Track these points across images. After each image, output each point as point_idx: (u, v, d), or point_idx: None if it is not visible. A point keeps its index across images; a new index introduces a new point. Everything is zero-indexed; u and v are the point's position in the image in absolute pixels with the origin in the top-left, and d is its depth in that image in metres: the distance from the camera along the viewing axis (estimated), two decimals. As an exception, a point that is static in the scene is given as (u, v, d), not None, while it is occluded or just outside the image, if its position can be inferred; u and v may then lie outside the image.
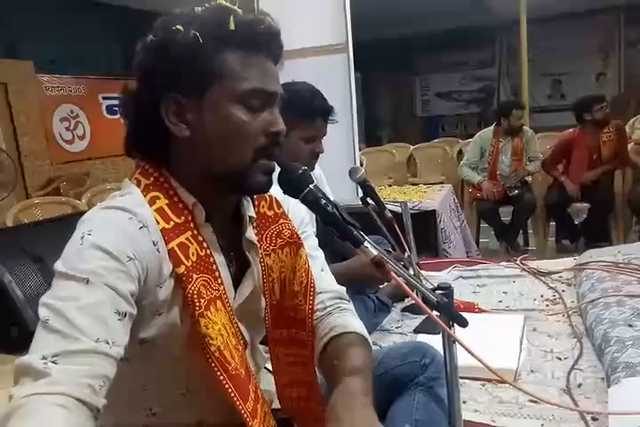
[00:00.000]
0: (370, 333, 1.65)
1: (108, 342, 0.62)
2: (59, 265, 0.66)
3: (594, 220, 3.57)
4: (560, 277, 2.05)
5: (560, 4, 7.03)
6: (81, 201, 2.86)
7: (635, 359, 1.22)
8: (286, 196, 0.85)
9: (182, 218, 0.75)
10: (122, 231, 0.68)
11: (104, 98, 5.64)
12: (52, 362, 0.58)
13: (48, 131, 5.06)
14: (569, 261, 2.17)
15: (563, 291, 1.90)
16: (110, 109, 5.64)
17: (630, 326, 1.40)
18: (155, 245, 0.71)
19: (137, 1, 5.66)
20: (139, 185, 0.76)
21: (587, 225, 3.64)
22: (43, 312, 0.62)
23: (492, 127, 3.91)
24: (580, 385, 1.29)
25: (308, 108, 1.53)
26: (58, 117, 5.21)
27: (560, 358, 1.43)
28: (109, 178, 5.12)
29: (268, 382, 0.96)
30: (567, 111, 4.02)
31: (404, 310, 1.85)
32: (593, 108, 3.55)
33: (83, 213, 0.75)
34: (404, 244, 1.78)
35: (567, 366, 1.38)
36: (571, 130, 3.79)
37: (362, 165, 4.67)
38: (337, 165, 2.49)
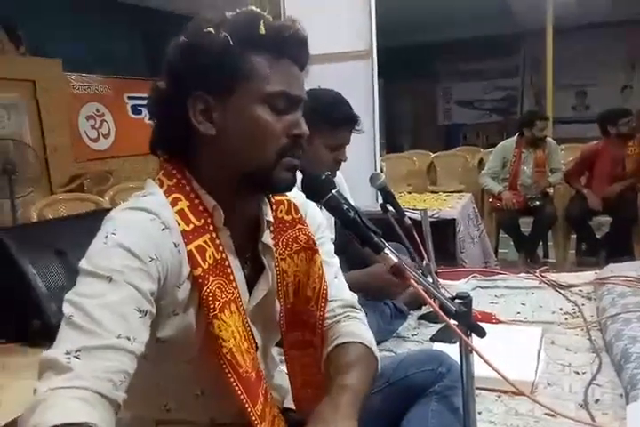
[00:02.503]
0: (385, 339, 1.67)
1: (129, 339, 0.63)
2: (83, 263, 0.68)
3: (616, 234, 3.53)
4: (580, 290, 2.03)
5: (586, 14, 6.96)
6: (104, 198, 2.90)
7: (655, 377, 1.20)
8: (306, 201, 0.86)
9: (202, 221, 0.76)
10: (145, 232, 0.70)
11: (129, 97, 5.72)
12: (75, 357, 0.60)
13: (74, 128, 5.14)
14: (589, 275, 2.14)
15: (582, 305, 1.88)
16: (135, 109, 5.72)
17: (651, 342, 1.38)
18: (176, 246, 0.72)
19: (164, 3, 5.75)
20: (161, 186, 0.77)
21: (608, 239, 3.61)
22: (67, 309, 0.64)
23: (514, 137, 3.88)
24: (597, 401, 1.27)
25: (333, 117, 1.53)
26: (84, 115, 5.29)
27: (578, 373, 1.41)
28: (132, 177, 5.17)
29: (282, 379, 0.97)
30: (591, 123, 3.97)
31: (420, 317, 1.85)
32: (618, 121, 3.51)
33: (106, 210, 0.76)
34: (423, 252, 1.77)
35: (585, 380, 1.36)
36: (595, 142, 3.75)
37: (382, 171, 4.67)
38: (358, 171, 2.49)
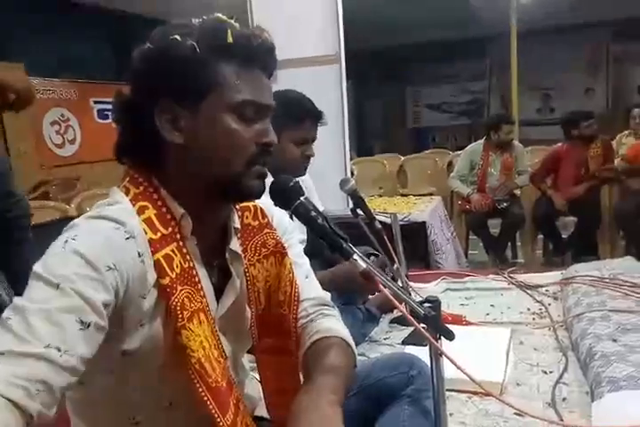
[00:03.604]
0: (358, 344, 1.67)
1: (59, 350, 0.61)
2: (37, 266, 0.66)
3: (581, 234, 3.63)
4: (547, 290, 2.07)
5: (549, 18, 7.14)
6: (70, 206, 2.84)
7: (618, 374, 1.23)
8: (271, 204, 0.86)
9: (169, 229, 0.75)
10: (106, 241, 0.68)
11: (95, 102, 5.63)
12: None
13: (38, 134, 5.03)
14: (556, 275, 2.19)
15: (549, 304, 1.92)
16: (101, 114, 5.63)
17: (614, 340, 1.42)
18: (140, 255, 0.70)
19: (131, 5, 5.67)
20: (127, 194, 0.76)
21: (574, 239, 3.70)
22: (7, 311, 0.62)
23: (482, 141, 3.95)
24: (564, 399, 1.30)
25: (297, 111, 1.59)
26: (48, 121, 5.18)
27: (546, 372, 1.44)
28: (100, 182, 5.08)
29: (253, 388, 0.96)
30: (556, 125, 4.07)
31: (392, 321, 1.86)
32: (581, 124, 3.61)
33: (72, 218, 0.74)
34: (394, 255, 1.79)
35: (552, 379, 1.39)
36: (559, 144, 3.85)
37: (353, 174, 4.69)
38: (328, 175, 2.51)
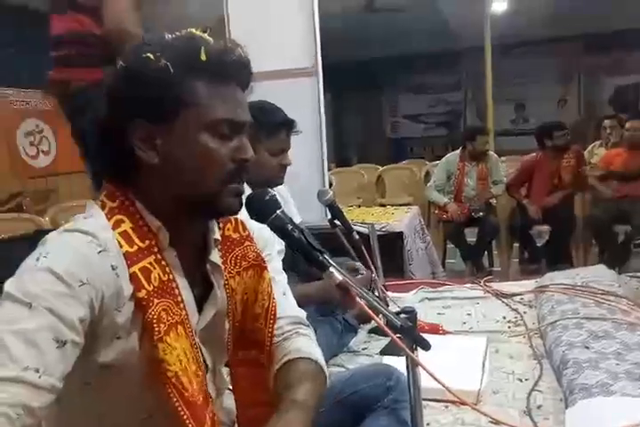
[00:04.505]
0: (336, 354, 1.68)
1: (37, 371, 0.61)
2: (8, 285, 0.65)
3: (555, 242, 3.69)
4: (522, 298, 2.10)
5: (522, 32, 7.32)
6: (44, 218, 2.80)
7: (590, 381, 1.26)
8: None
9: (146, 242, 0.75)
10: (79, 255, 0.68)
11: (71, 113, 5.57)
12: None
13: (12, 145, 4.95)
14: (530, 284, 2.22)
15: (524, 313, 1.95)
16: (78, 125, 5.57)
17: (587, 347, 1.45)
18: (114, 269, 0.70)
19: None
20: (103, 208, 0.76)
21: (548, 247, 3.77)
22: None
23: (458, 151, 4.02)
24: (539, 406, 1.32)
25: (272, 122, 1.62)
26: (22, 132, 5.11)
27: (521, 380, 1.46)
28: (76, 194, 5.01)
29: (232, 401, 0.96)
30: (531, 135, 4.16)
31: (370, 331, 1.87)
32: (554, 134, 3.70)
33: (46, 231, 0.74)
34: (371, 266, 1.80)
35: (528, 387, 1.41)
36: (533, 154, 3.93)
37: (331, 185, 4.71)
38: (306, 186, 2.52)
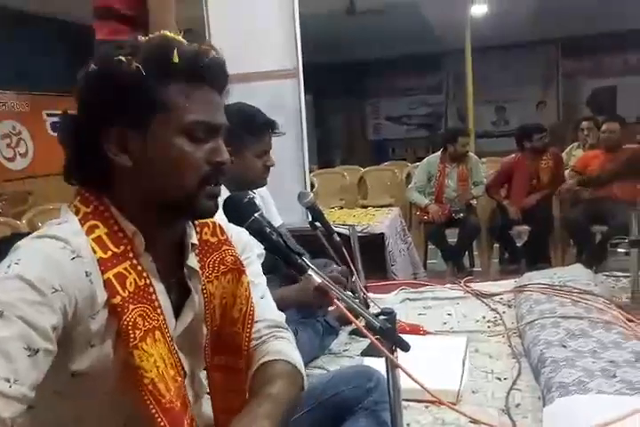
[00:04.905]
0: (318, 356, 1.68)
1: (8, 380, 0.60)
2: None
3: (534, 242, 3.74)
4: (501, 298, 2.12)
5: (503, 35, 7.43)
6: (21, 221, 2.75)
7: (567, 379, 1.28)
8: None
9: (121, 247, 0.74)
10: (51, 262, 0.67)
11: (49, 115, 5.49)
12: None
13: (-13, 147, 4.88)
14: (509, 283, 2.25)
15: (504, 312, 1.97)
16: (55, 126, 5.50)
17: (564, 346, 1.47)
18: (87, 275, 0.70)
19: (83, 16, 5.58)
20: (77, 213, 0.75)
21: (528, 247, 3.81)
22: None
23: (438, 153, 4.06)
24: (518, 405, 1.33)
25: (256, 125, 1.64)
26: (-1, 134, 5.04)
27: (500, 379, 1.48)
28: (54, 197, 4.94)
29: (209, 406, 0.95)
30: (511, 137, 4.22)
31: (351, 332, 1.87)
32: (533, 136, 3.76)
33: (23, 234, 0.73)
34: (352, 267, 1.81)
35: (507, 386, 1.42)
36: (512, 155, 3.98)
37: (313, 187, 4.73)
38: (288, 188, 2.52)
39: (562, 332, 1.56)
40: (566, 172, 3.91)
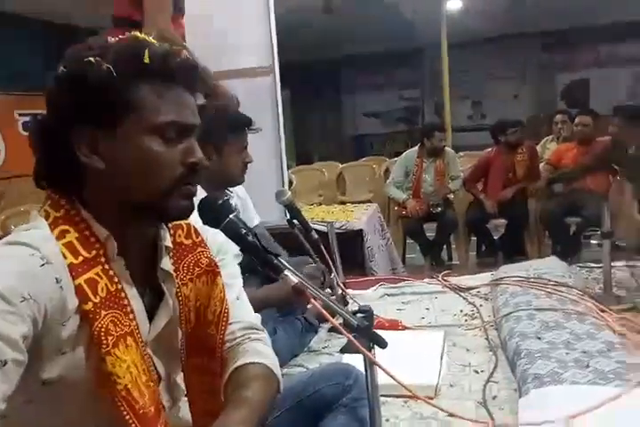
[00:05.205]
0: (297, 354, 1.69)
1: None
2: None
3: (510, 235, 3.80)
4: (478, 292, 2.15)
5: (478, 29, 7.48)
6: (-6, 224, 2.69)
7: (542, 371, 1.31)
8: None
9: (93, 252, 0.73)
10: (20, 269, 0.66)
11: (20, 114, 5.39)
12: None
13: (-43, 148, 4.76)
14: (486, 277, 2.28)
15: (480, 306, 2.00)
16: (27, 126, 5.39)
17: (539, 338, 1.50)
18: (58, 282, 0.68)
19: (58, 15, 5.48)
20: (47, 218, 0.74)
21: (504, 240, 3.87)
22: None
23: (416, 148, 4.09)
24: (494, 397, 1.36)
25: (234, 122, 1.66)
26: (-31, 134, 4.92)
27: (477, 372, 1.50)
28: (26, 199, 4.85)
29: (188, 410, 0.95)
30: (487, 131, 4.27)
31: (330, 329, 1.88)
32: (507, 131, 3.81)
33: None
34: (331, 264, 1.82)
35: (483, 378, 1.45)
36: (489, 150, 4.03)
37: (292, 183, 4.72)
38: (265, 185, 2.52)
39: (537, 324, 1.59)
40: (541, 165, 3.97)
